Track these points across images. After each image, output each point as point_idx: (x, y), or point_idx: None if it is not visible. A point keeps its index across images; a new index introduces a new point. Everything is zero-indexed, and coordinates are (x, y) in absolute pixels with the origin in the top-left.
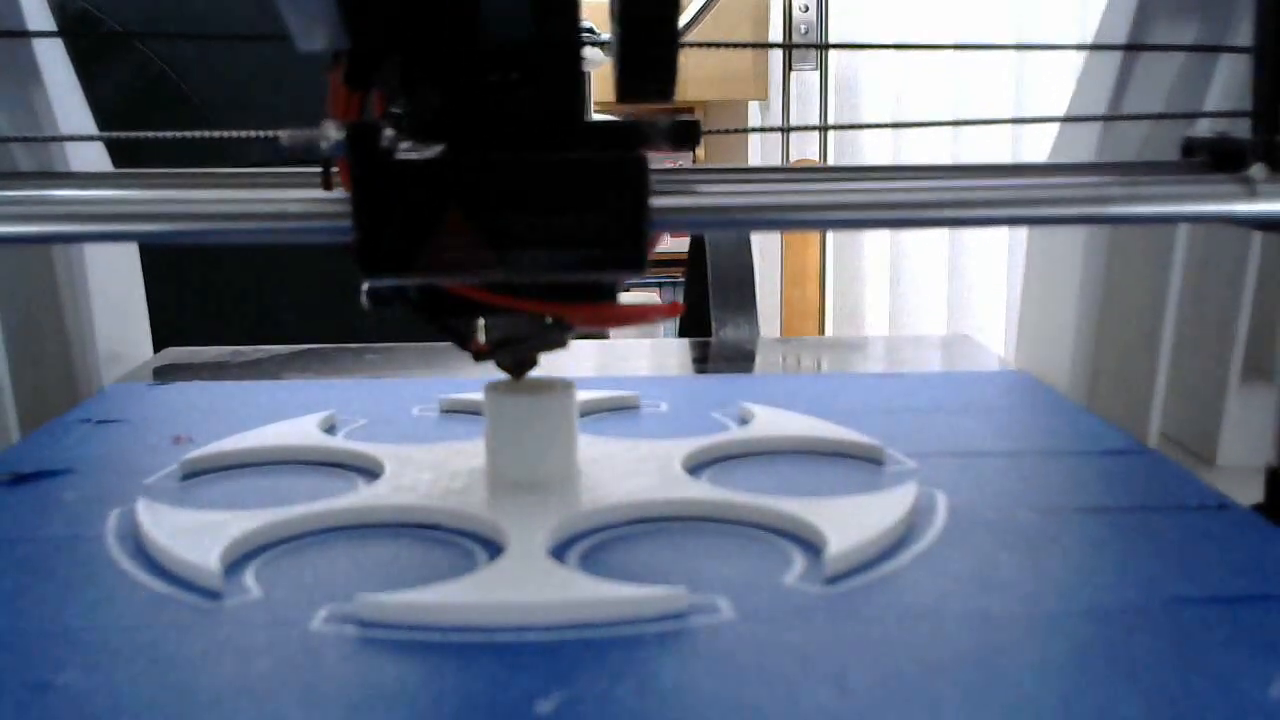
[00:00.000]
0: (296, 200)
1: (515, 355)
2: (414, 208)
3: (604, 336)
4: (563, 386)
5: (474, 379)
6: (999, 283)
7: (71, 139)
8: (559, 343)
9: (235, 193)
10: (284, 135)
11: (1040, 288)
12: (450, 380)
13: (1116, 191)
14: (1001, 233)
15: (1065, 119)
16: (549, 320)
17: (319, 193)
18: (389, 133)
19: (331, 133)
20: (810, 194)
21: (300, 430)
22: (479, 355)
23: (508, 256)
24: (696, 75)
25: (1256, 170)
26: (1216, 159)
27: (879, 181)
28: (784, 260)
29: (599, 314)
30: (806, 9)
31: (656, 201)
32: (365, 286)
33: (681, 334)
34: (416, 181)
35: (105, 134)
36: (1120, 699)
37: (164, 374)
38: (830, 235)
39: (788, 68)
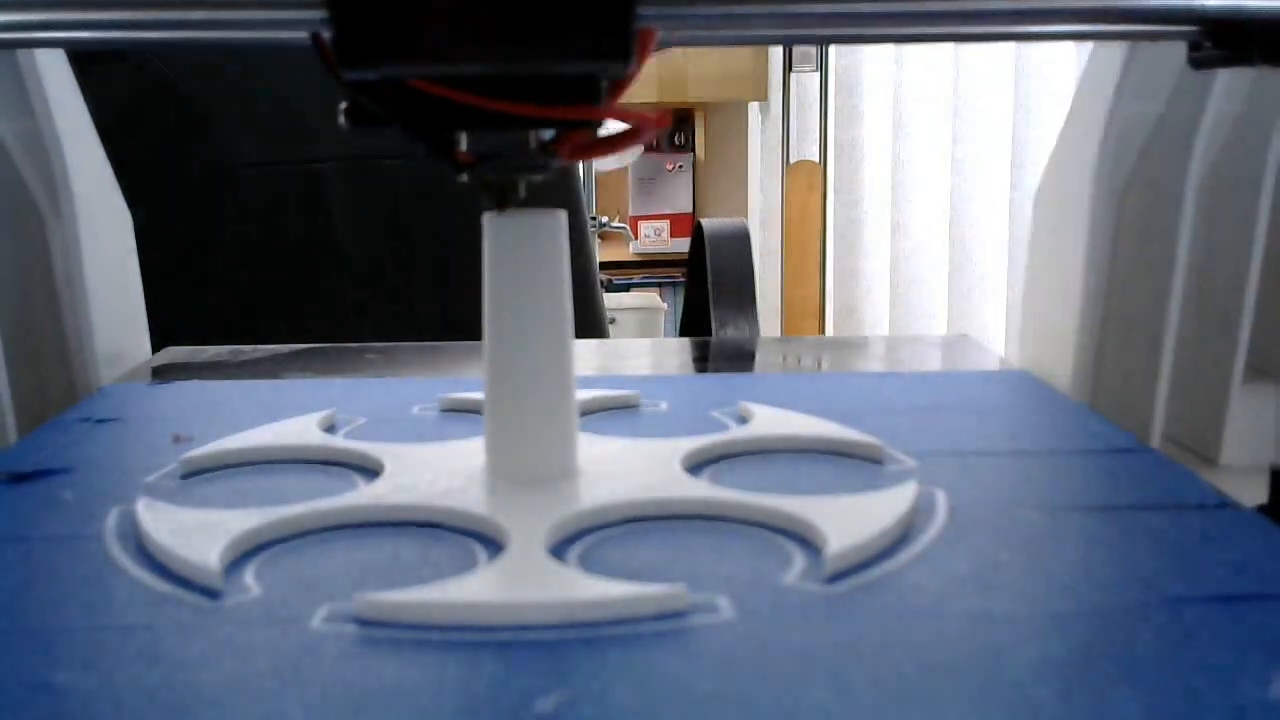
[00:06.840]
0: None
1: (498, 171)
2: None
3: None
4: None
5: (473, 378)
6: (999, 283)
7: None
8: (543, 165)
9: None
10: None
11: (1042, 286)
12: (450, 380)
13: None
14: (1003, 233)
15: None
16: (534, 144)
17: None
18: None
19: None
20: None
21: (300, 429)
22: (461, 166)
23: (487, 44)
24: (696, 75)
25: None
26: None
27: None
28: (784, 260)
29: (583, 115)
30: None
31: None
32: (343, 106)
33: (682, 334)
34: None
35: None
36: (1120, 699)
37: (163, 373)
38: (830, 236)
39: (788, 68)
